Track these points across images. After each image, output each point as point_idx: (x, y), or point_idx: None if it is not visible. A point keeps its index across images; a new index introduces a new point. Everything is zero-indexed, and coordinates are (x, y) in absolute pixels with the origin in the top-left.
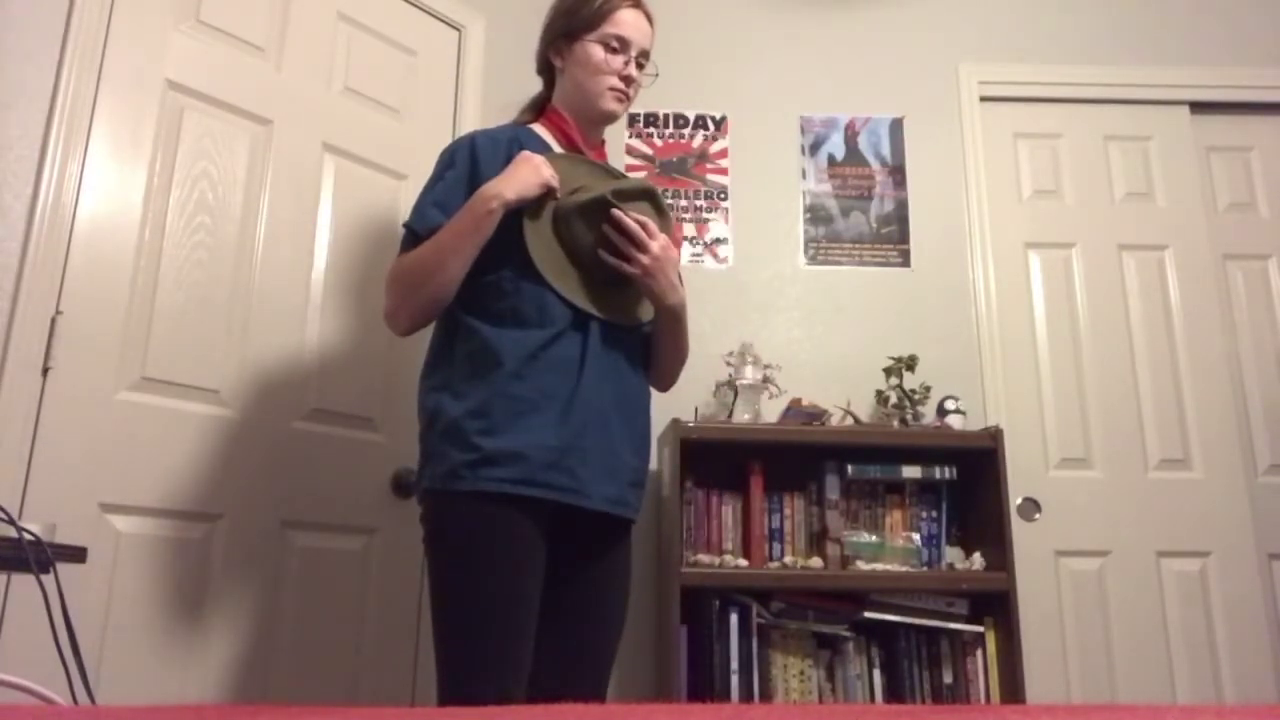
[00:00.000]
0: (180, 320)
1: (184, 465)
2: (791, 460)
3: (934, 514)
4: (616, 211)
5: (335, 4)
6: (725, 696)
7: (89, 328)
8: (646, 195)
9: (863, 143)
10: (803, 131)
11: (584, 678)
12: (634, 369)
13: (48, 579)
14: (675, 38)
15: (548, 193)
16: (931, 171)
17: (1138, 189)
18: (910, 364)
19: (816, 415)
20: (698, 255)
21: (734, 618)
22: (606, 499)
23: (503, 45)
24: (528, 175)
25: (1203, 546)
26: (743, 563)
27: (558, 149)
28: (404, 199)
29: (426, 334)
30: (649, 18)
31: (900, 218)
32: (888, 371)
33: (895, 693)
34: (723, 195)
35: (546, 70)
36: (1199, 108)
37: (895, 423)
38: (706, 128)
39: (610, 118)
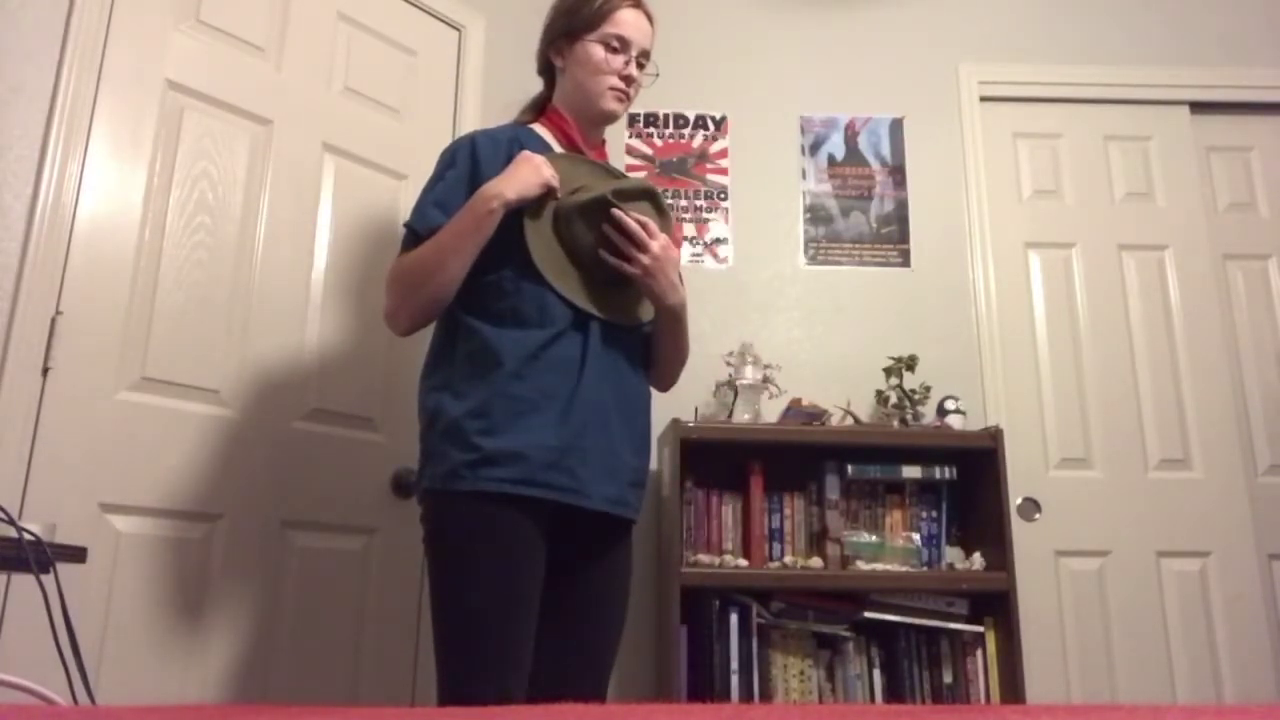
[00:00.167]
0: (180, 320)
1: (184, 465)
2: (791, 460)
3: (934, 514)
4: (617, 211)
5: (335, 4)
6: (725, 696)
7: (89, 328)
8: (647, 195)
9: (863, 143)
10: (803, 131)
11: (584, 678)
12: (634, 369)
13: (48, 579)
14: (675, 38)
15: (548, 192)
16: (931, 171)
17: (1138, 189)
18: (910, 364)
19: (816, 415)
20: (698, 255)
21: (734, 618)
22: (607, 499)
23: (503, 45)
24: (528, 175)
25: (1203, 546)
26: (743, 563)
27: (558, 149)
28: (404, 199)
29: (426, 334)
30: (649, 17)
31: (900, 218)
32: (888, 371)
33: (895, 693)
34: (723, 195)
35: (547, 70)
36: (1199, 108)
37: (895, 423)
38: (706, 128)
39: (611, 117)
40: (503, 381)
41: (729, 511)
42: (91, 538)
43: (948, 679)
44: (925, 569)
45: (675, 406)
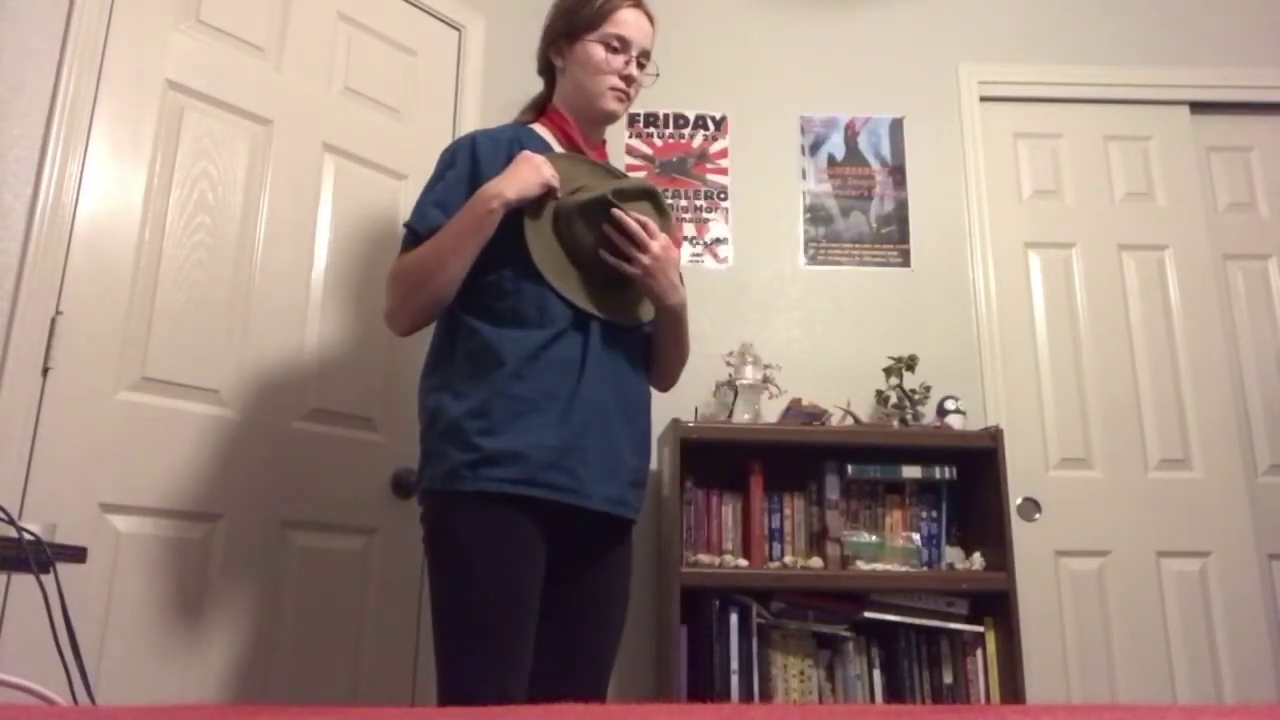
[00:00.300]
0: (180, 320)
1: (184, 465)
2: (791, 460)
3: (934, 514)
4: (617, 211)
5: (335, 4)
6: (725, 696)
7: (89, 328)
8: (647, 195)
9: (863, 143)
10: (803, 131)
11: (584, 678)
12: (634, 369)
13: (48, 579)
14: (675, 38)
15: (548, 192)
16: (931, 171)
17: (1138, 189)
18: (910, 364)
19: (816, 415)
20: (698, 255)
21: (734, 618)
22: (607, 499)
23: (503, 45)
24: (528, 175)
25: (1203, 546)
26: (743, 563)
27: (558, 149)
28: (404, 199)
29: (426, 334)
30: (650, 17)
31: (900, 218)
32: (888, 371)
33: (895, 693)
34: (723, 195)
35: (547, 70)
36: (1199, 108)
37: (895, 423)
38: (706, 128)
39: (611, 117)
40: (503, 381)
41: (729, 511)
42: (91, 538)
43: (948, 679)
44: (925, 569)
45: (675, 406)
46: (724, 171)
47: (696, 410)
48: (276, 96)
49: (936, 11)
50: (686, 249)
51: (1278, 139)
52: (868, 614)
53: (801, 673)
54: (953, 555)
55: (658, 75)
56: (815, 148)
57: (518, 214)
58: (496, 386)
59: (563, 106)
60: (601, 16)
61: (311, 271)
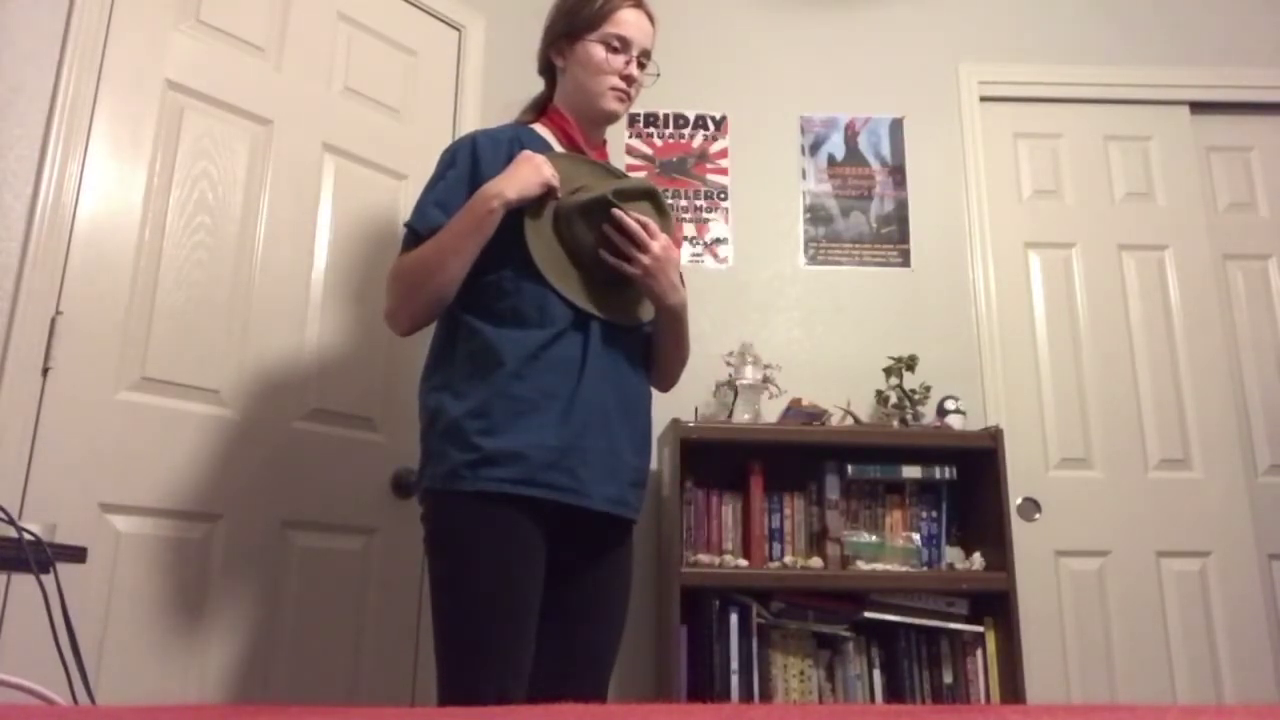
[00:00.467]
0: (180, 320)
1: (184, 465)
2: (791, 460)
3: (934, 514)
4: (617, 211)
5: (335, 4)
6: (725, 696)
7: (89, 328)
8: (647, 195)
9: (863, 143)
10: (803, 131)
11: (584, 678)
12: (635, 369)
13: (48, 579)
14: (675, 38)
15: (549, 192)
16: (931, 171)
17: (1138, 189)
18: (910, 364)
19: (816, 415)
20: (698, 255)
21: (734, 618)
22: (607, 499)
23: (503, 45)
24: (529, 174)
25: (1203, 546)
26: (743, 563)
27: (559, 149)
28: (404, 199)
29: (427, 334)
30: (650, 17)
31: (900, 218)
32: (888, 371)
33: (895, 693)
34: (723, 195)
35: (548, 70)
36: (1199, 108)
37: (895, 423)
38: (706, 128)
39: (611, 117)
40: (503, 381)
41: (729, 511)
42: (91, 538)
43: (948, 679)
44: (925, 569)
45: (675, 406)
46: (724, 171)
47: (696, 410)
48: (276, 96)
49: (936, 11)
50: (686, 249)
51: (1278, 139)
52: (868, 614)
53: (801, 673)
54: (953, 555)
55: (658, 75)
56: (815, 148)
57: (518, 214)
58: (497, 386)
59: (563, 106)
60: (602, 16)
61: (311, 271)
